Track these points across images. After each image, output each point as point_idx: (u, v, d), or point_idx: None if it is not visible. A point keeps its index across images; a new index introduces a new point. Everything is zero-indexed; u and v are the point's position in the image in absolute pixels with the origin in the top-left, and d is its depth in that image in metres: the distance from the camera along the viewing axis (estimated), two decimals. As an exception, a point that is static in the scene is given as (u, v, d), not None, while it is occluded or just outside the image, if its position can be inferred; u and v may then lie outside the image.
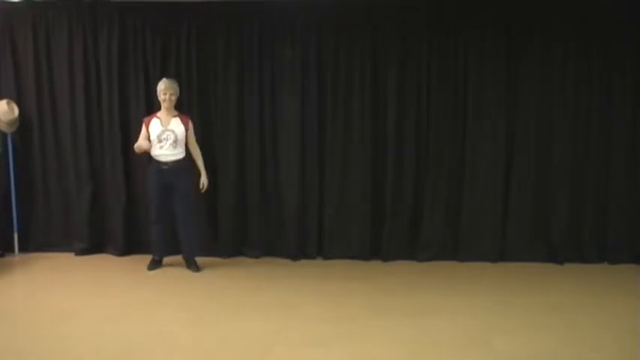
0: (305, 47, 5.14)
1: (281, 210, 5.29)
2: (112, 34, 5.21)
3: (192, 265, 4.92)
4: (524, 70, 5.04)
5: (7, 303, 4.13)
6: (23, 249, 5.43)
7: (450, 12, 5.05)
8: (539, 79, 5.04)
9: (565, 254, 5.11)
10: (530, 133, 5.10)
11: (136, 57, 5.24)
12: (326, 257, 5.29)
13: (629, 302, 4.06)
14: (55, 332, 3.53)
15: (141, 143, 4.69)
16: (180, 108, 5.28)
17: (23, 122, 5.32)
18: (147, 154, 4.84)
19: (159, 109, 4.84)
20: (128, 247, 5.39)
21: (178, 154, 4.73)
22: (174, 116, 4.78)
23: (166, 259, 5.16)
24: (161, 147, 4.69)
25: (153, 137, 4.72)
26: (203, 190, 4.91)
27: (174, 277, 4.76)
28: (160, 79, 5.20)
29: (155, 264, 4.98)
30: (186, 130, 4.78)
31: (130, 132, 5.32)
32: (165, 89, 4.71)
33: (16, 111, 5.22)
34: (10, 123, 5.20)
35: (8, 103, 5.16)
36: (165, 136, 4.70)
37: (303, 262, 5.24)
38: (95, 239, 5.42)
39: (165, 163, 4.71)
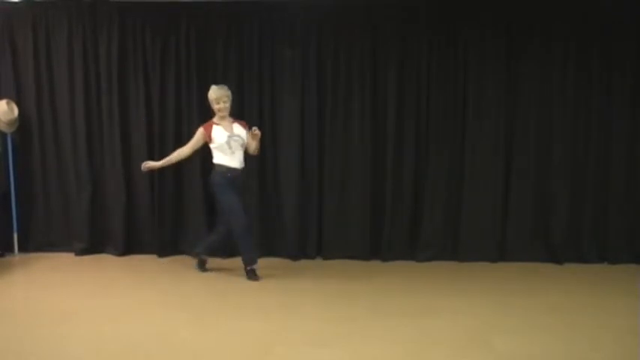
0: (305, 47, 5.14)
1: (281, 210, 5.29)
2: (111, 34, 5.21)
3: (252, 275, 4.63)
4: (524, 70, 5.04)
5: (7, 303, 4.13)
6: (23, 249, 5.43)
7: (450, 12, 5.05)
8: (539, 79, 5.04)
9: (565, 254, 5.11)
10: (530, 133, 5.11)
11: (135, 57, 5.24)
12: (326, 257, 5.29)
13: (629, 302, 4.06)
14: (55, 332, 3.53)
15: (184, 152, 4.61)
16: (181, 108, 5.30)
17: (23, 122, 5.32)
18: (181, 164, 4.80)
19: (212, 115, 4.63)
20: (128, 247, 5.39)
21: (242, 161, 4.58)
22: (233, 122, 4.59)
23: (167, 260, 5.16)
24: (232, 153, 4.49)
25: (219, 144, 4.49)
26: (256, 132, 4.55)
27: (174, 277, 4.75)
28: (159, 79, 5.24)
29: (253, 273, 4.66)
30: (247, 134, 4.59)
31: (130, 132, 5.33)
32: (218, 98, 4.49)
33: (16, 111, 5.22)
34: (10, 123, 5.20)
35: (8, 103, 5.16)
36: (233, 142, 4.49)
37: (303, 262, 5.24)
38: (95, 239, 5.42)
39: (236, 170, 4.53)
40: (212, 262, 5.17)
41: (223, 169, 4.51)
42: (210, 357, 3.21)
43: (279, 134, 5.26)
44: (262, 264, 4.97)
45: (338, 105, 5.20)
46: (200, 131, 4.58)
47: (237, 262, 5.22)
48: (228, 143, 4.47)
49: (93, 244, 5.41)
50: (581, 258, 5.12)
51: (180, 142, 5.30)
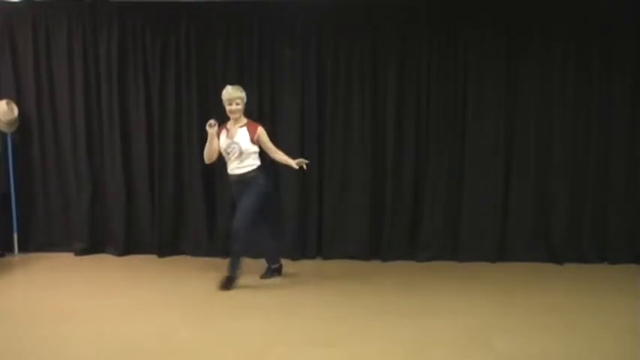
0: (305, 47, 5.14)
1: (281, 210, 5.29)
2: (111, 34, 5.21)
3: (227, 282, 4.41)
4: (524, 70, 5.04)
5: (7, 303, 4.13)
6: (23, 249, 5.43)
7: (450, 12, 5.05)
8: (539, 79, 5.04)
9: (565, 254, 5.11)
10: (530, 133, 5.10)
11: (135, 57, 5.24)
12: (325, 257, 5.29)
13: (629, 302, 4.05)
14: (55, 332, 3.53)
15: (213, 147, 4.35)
16: (181, 108, 5.30)
17: (23, 122, 5.32)
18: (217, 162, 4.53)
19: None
20: (128, 247, 5.39)
21: (243, 167, 4.30)
22: (242, 126, 4.33)
23: (167, 260, 5.16)
24: (230, 160, 4.33)
25: (222, 150, 4.36)
26: (304, 165, 4.40)
27: (174, 277, 4.75)
28: (159, 79, 5.23)
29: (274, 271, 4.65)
30: (253, 139, 4.30)
31: (130, 132, 5.33)
32: (230, 99, 4.27)
33: (16, 111, 5.22)
34: (10, 123, 5.20)
35: (8, 103, 5.16)
36: (230, 150, 4.29)
37: (303, 262, 5.24)
38: (95, 239, 5.42)
39: (231, 177, 4.37)
40: (211, 261, 5.18)
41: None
42: (210, 357, 3.21)
43: (279, 134, 5.24)
44: (262, 264, 4.96)
45: (338, 105, 5.20)
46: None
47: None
48: (225, 150, 4.32)
49: (93, 244, 5.41)
50: (581, 258, 5.11)
51: (181, 142, 5.33)
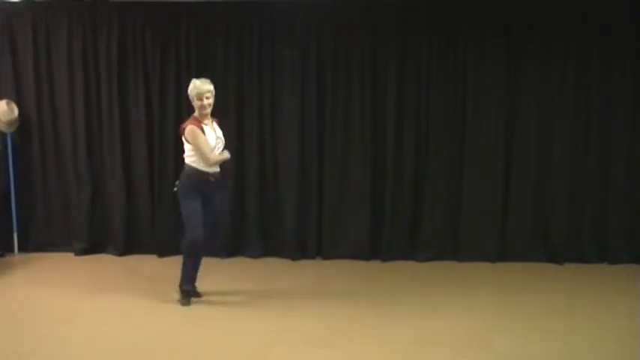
0: (305, 47, 5.14)
1: (280, 210, 5.29)
2: (111, 34, 5.21)
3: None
4: (524, 70, 5.04)
5: (7, 303, 4.13)
6: (23, 249, 5.43)
7: (450, 12, 5.04)
8: (539, 79, 5.04)
9: (565, 254, 5.11)
10: (530, 133, 5.10)
11: (135, 57, 5.24)
12: (325, 257, 5.29)
13: (629, 302, 4.06)
14: (54, 332, 3.53)
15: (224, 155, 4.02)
16: (181, 108, 5.29)
17: (23, 122, 5.32)
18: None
19: (187, 114, 4.21)
20: (128, 247, 5.39)
21: (218, 166, 4.06)
22: (214, 121, 4.07)
23: (167, 260, 5.17)
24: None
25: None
26: None
27: (174, 277, 4.74)
28: (159, 79, 5.23)
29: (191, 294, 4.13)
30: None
31: (130, 132, 5.33)
32: (200, 93, 3.87)
33: (16, 111, 5.22)
34: (10, 123, 5.20)
35: (8, 103, 5.16)
36: (219, 146, 4.00)
37: (303, 262, 5.24)
38: (95, 239, 5.42)
39: (214, 175, 3.98)
40: (211, 262, 5.16)
41: (197, 174, 3.93)
42: (210, 357, 3.21)
43: (279, 134, 5.26)
44: (262, 264, 4.98)
45: (338, 105, 5.19)
46: (194, 128, 3.86)
47: (237, 262, 5.25)
48: (213, 147, 3.94)
49: (93, 244, 5.41)
50: (581, 258, 5.11)
51: (181, 142, 5.29)
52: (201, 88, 3.89)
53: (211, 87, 3.95)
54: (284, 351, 3.27)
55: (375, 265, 5.15)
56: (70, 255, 5.36)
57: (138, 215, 5.38)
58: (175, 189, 4.05)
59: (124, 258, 5.32)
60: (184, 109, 5.25)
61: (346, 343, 3.36)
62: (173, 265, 5.08)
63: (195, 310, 3.95)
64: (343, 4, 5.09)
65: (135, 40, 5.22)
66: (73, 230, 5.42)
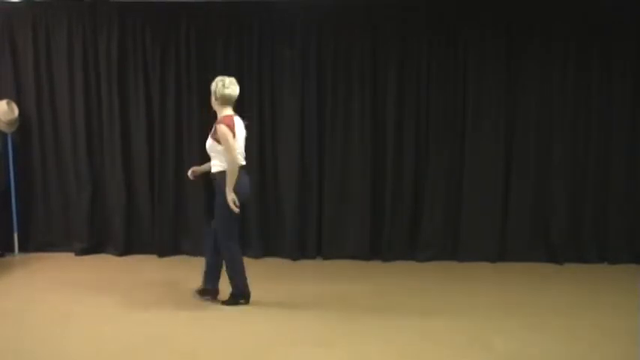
0: (305, 47, 5.14)
1: (281, 210, 5.29)
2: (111, 34, 5.21)
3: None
4: (524, 70, 5.04)
5: (7, 303, 4.12)
6: (23, 249, 5.43)
7: (450, 12, 5.05)
8: (540, 79, 5.04)
9: (565, 254, 5.11)
10: (530, 133, 5.10)
11: (135, 57, 5.24)
12: (326, 257, 5.29)
13: (629, 302, 4.06)
14: (55, 332, 3.53)
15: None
16: (181, 108, 5.30)
17: (23, 122, 5.32)
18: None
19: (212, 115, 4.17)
20: (128, 247, 5.39)
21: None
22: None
23: (167, 260, 5.16)
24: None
25: (242, 143, 3.97)
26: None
27: (174, 277, 4.75)
28: (159, 79, 5.24)
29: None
30: None
31: (130, 132, 5.33)
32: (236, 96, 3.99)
33: (16, 111, 5.22)
34: (10, 123, 5.20)
35: (8, 103, 5.16)
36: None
37: (303, 262, 5.24)
38: (95, 239, 5.42)
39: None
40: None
41: (242, 170, 3.94)
42: (210, 357, 3.21)
43: (279, 134, 5.26)
44: (262, 264, 4.98)
45: (338, 105, 5.19)
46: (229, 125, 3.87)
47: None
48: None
49: (93, 244, 5.41)
50: (581, 258, 5.12)
51: (181, 142, 5.32)
52: (236, 90, 4.00)
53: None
54: (284, 351, 3.27)
55: (375, 265, 5.15)
56: (70, 255, 5.36)
57: (138, 215, 5.38)
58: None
59: (124, 258, 5.32)
60: (184, 108, 5.27)
61: (346, 343, 3.36)
62: (173, 266, 5.11)
63: (195, 310, 3.95)
64: (343, 4, 5.09)
65: (135, 40, 5.23)
66: (73, 230, 5.42)
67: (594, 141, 5.08)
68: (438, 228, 5.21)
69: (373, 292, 4.37)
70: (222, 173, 3.86)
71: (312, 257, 5.30)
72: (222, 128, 3.84)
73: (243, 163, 3.95)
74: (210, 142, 3.95)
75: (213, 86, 4.02)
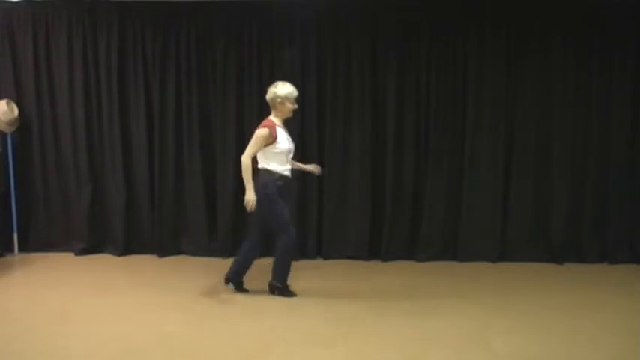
0: (305, 47, 5.14)
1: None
2: (111, 34, 5.21)
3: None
4: (524, 70, 5.04)
5: (7, 303, 4.12)
6: (23, 249, 5.43)
7: (450, 12, 5.04)
8: (539, 79, 5.04)
9: (564, 254, 5.11)
10: (530, 133, 5.10)
11: (135, 57, 5.24)
12: (325, 257, 5.29)
13: (629, 302, 4.06)
14: (54, 332, 3.53)
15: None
16: (181, 108, 5.30)
17: (23, 122, 5.32)
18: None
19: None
20: (128, 247, 5.39)
21: None
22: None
23: (167, 260, 5.15)
24: (287, 161, 4.12)
25: (282, 150, 4.03)
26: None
27: (174, 277, 4.75)
28: (159, 79, 5.24)
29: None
30: None
31: (130, 132, 5.32)
32: (296, 98, 4.09)
33: (16, 111, 5.22)
34: (10, 123, 5.20)
35: (8, 103, 5.16)
36: (292, 149, 4.16)
37: (303, 262, 5.23)
38: (95, 239, 5.42)
39: (286, 178, 4.11)
40: (211, 262, 5.19)
41: (276, 177, 4.03)
42: (210, 357, 3.21)
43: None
44: (262, 264, 4.94)
45: (337, 105, 5.19)
46: (264, 132, 3.97)
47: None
48: (289, 150, 4.11)
49: (93, 244, 5.41)
50: (581, 258, 5.12)
51: (181, 142, 5.31)
52: (295, 92, 4.07)
53: None
54: (284, 351, 3.27)
55: (374, 265, 5.15)
56: (70, 255, 5.36)
57: (138, 215, 5.38)
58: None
59: (124, 258, 5.32)
60: (184, 108, 5.27)
61: (346, 343, 3.36)
62: (173, 265, 5.11)
63: (194, 310, 3.95)
64: (343, 4, 5.09)
65: (135, 40, 5.23)
66: (73, 230, 5.42)
67: (594, 141, 5.08)
68: (438, 228, 5.21)
69: (373, 292, 4.37)
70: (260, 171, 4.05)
71: (312, 257, 5.30)
72: None
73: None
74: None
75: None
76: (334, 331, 3.54)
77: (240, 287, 4.30)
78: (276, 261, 4.17)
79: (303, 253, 5.29)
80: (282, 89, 4.05)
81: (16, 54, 5.32)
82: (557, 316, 3.82)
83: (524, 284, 4.55)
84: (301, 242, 5.28)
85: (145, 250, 5.37)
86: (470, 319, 3.74)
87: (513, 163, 5.14)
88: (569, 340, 3.40)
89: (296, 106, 4.13)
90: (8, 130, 5.24)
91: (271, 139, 3.98)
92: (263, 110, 5.20)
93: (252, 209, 4.02)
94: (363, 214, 5.22)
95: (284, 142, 4.07)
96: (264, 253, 4.47)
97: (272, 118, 4.11)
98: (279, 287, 4.18)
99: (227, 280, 4.29)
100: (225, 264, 5.12)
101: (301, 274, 4.86)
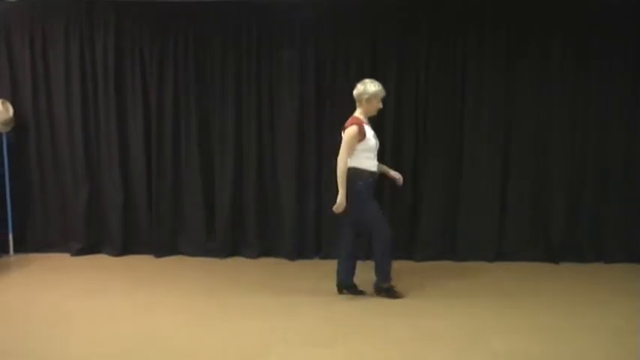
0: (303, 47, 5.13)
1: (279, 210, 5.27)
2: (109, 34, 5.18)
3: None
4: (524, 70, 5.04)
5: (3, 304, 4.09)
6: (19, 249, 5.39)
7: (450, 12, 5.04)
8: (539, 79, 5.04)
9: (563, 254, 5.12)
10: (529, 133, 5.11)
11: (133, 57, 5.22)
12: (324, 257, 5.27)
13: (629, 302, 4.07)
14: (52, 333, 3.51)
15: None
16: (179, 108, 5.28)
17: (19, 122, 5.28)
18: None
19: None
20: (125, 248, 5.36)
21: None
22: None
23: (164, 260, 5.13)
24: (374, 157, 4.12)
25: (370, 146, 4.06)
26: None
27: (171, 277, 4.73)
28: (157, 79, 5.21)
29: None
30: None
31: (127, 132, 5.30)
32: (384, 95, 4.11)
33: (11, 111, 5.19)
34: (6, 123, 5.17)
35: (3, 103, 5.13)
36: (378, 145, 4.18)
37: (302, 262, 5.23)
38: (92, 239, 5.39)
39: (375, 174, 4.13)
40: (210, 262, 5.18)
41: (366, 174, 4.03)
42: (210, 357, 3.20)
43: (278, 134, 5.24)
44: (261, 264, 4.96)
45: (336, 105, 5.17)
46: (354, 130, 3.98)
47: (236, 262, 5.23)
48: (376, 146, 4.12)
49: (90, 245, 5.38)
50: (579, 258, 5.12)
51: (179, 142, 5.29)
52: (383, 92, 4.10)
53: None
54: (284, 351, 3.26)
55: (373, 265, 5.13)
56: (67, 255, 5.34)
57: (135, 216, 5.36)
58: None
59: (121, 258, 5.30)
60: (182, 108, 5.25)
61: (346, 343, 3.36)
62: (170, 266, 5.09)
63: (194, 310, 3.94)
64: (342, 4, 5.08)
65: (132, 40, 5.21)
66: (70, 230, 5.39)
67: (592, 141, 5.08)
68: (437, 228, 5.21)
69: (372, 291, 4.36)
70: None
71: (311, 257, 5.29)
72: None
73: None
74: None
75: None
76: (334, 331, 3.54)
77: (355, 290, 4.22)
78: (377, 263, 4.12)
79: (303, 253, 5.27)
80: (371, 87, 4.07)
81: (13, 54, 5.28)
82: (555, 315, 3.82)
83: (523, 284, 4.56)
84: (300, 242, 5.28)
85: (142, 250, 5.35)
86: (470, 319, 3.74)
87: (511, 162, 5.14)
88: (568, 340, 3.41)
89: (381, 106, 4.15)
90: (3, 129, 5.20)
91: (361, 136, 3.99)
92: (262, 110, 5.22)
93: (341, 212, 3.98)
94: (362, 214, 5.21)
95: (372, 138, 4.07)
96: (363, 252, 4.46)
97: (357, 115, 4.11)
98: (387, 288, 4.13)
99: (340, 288, 4.22)
100: (223, 264, 5.13)
101: (300, 274, 4.86)
